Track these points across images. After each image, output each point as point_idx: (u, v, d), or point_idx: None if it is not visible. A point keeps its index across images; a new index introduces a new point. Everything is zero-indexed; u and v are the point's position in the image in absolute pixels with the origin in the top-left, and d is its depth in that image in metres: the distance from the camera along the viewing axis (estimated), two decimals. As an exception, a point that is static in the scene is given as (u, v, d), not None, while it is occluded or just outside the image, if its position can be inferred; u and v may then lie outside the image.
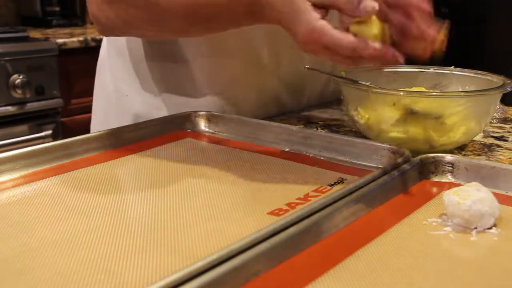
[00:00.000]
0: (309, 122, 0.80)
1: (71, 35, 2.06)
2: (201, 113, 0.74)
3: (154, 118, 0.74)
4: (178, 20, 0.64)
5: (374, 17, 0.53)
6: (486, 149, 0.67)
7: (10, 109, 1.80)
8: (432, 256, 0.41)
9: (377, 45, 0.52)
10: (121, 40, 0.83)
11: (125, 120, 0.80)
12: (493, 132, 0.75)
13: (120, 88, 0.84)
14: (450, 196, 0.46)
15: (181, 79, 0.80)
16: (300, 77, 0.86)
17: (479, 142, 0.70)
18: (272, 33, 0.78)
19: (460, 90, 0.72)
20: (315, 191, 0.53)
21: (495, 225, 0.46)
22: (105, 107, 0.88)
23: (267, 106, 0.84)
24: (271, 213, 0.48)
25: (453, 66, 0.76)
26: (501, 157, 0.65)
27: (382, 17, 0.53)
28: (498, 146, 0.69)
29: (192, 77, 0.79)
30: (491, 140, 0.71)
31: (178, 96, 0.81)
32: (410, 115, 0.63)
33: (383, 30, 0.54)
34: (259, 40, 0.79)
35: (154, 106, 0.81)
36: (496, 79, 0.68)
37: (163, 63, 0.80)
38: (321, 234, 0.43)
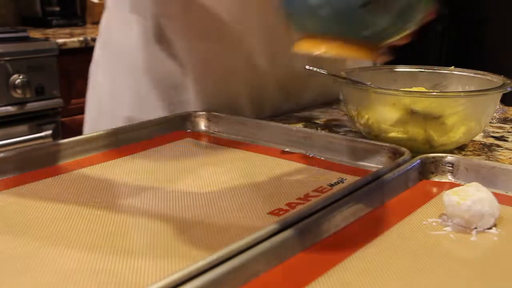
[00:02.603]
0: (309, 122, 0.80)
1: (71, 35, 2.06)
2: (201, 113, 0.74)
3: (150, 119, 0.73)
4: None
5: None
6: (486, 149, 0.67)
7: (10, 109, 1.80)
8: (432, 256, 0.41)
9: None
10: (117, 42, 0.83)
11: (117, 123, 0.80)
12: (493, 132, 0.75)
13: (113, 90, 0.84)
14: (450, 196, 0.46)
15: (174, 79, 0.80)
16: (297, 79, 0.86)
17: (479, 142, 0.70)
18: (268, 33, 0.78)
19: (460, 90, 0.72)
20: (315, 191, 0.53)
21: (495, 225, 0.46)
22: (97, 109, 0.87)
23: (262, 106, 0.84)
24: (271, 213, 0.48)
25: (453, 66, 0.76)
26: (501, 157, 0.65)
27: None
28: (498, 146, 0.69)
29: (186, 76, 0.79)
30: (491, 140, 0.71)
31: (171, 96, 0.80)
32: (410, 115, 0.63)
33: None
34: (254, 39, 0.79)
35: (148, 108, 0.81)
36: (496, 79, 0.68)
37: (160, 65, 0.80)
38: (321, 234, 0.43)
